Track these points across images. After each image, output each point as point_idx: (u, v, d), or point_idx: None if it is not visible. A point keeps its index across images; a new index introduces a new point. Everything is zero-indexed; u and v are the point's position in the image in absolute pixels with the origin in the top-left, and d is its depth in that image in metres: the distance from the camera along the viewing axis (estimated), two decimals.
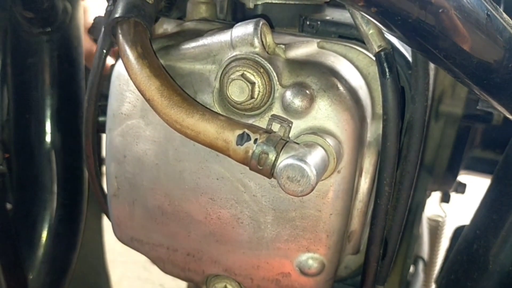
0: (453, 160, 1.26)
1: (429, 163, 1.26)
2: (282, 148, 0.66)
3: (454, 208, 1.75)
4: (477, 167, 1.36)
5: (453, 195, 1.52)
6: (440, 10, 0.54)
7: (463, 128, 1.23)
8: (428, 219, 1.64)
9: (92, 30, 1.04)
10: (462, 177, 1.45)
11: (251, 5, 0.87)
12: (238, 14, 0.91)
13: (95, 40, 0.99)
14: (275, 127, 0.70)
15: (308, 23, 0.87)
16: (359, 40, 0.82)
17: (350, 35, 0.85)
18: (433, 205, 1.63)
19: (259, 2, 0.87)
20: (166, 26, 0.90)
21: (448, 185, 1.36)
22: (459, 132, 1.22)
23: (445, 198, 1.50)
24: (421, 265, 1.40)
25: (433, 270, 1.57)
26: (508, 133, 0.89)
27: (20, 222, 1.13)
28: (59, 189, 1.13)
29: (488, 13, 0.58)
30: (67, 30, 1.12)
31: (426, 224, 1.62)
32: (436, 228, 1.63)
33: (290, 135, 0.71)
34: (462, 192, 1.45)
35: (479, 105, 1.15)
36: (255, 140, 0.67)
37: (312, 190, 0.64)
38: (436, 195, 1.54)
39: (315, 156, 0.65)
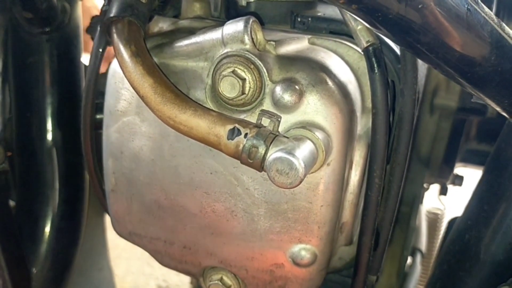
0: (449, 152, 1.27)
1: (425, 156, 1.27)
2: (272, 142, 0.68)
3: (454, 201, 1.76)
4: (474, 160, 1.38)
5: (453, 188, 1.53)
6: (420, 6, 0.55)
7: (458, 121, 1.24)
8: (427, 212, 1.66)
9: (90, 30, 1.06)
10: (460, 170, 1.46)
11: (244, 3, 0.89)
12: (232, 12, 0.93)
13: (93, 39, 1.00)
14: (265, 121, 0.71)
15: (299, 19, 0.88)
16: (350, 35, 0.84)
17: (340, 31, 0.87)
18: (432, 198, 1.64)
19: (252, 0, 0.88)
20: (162, 25, 0.91)
21: (445, 178, 1.37)
22: (454, 125, 1.23)
23: (443, 191, 1.51)
24: (419, 257, 1.42)
25: (431, 262, 1.58)
26: (503, 125, 0.90)
27: (23, 218, 1.16)
28: (61, 185, 1.16)
29: (469, 7, 0.59)
30: (66, 29, 1.14)
31: (425, 217, 1.63)
32: (435, 221, 1.64)
33: (280, 130, 0.72)
34: (460, 184, 1.46)
35: (473, 98, 1.16)
36: (245, 134, 0.68)
37: (300, 182, 0.66)
38: (435, 188, 1.55)
39: (304, 149, 0.67)
